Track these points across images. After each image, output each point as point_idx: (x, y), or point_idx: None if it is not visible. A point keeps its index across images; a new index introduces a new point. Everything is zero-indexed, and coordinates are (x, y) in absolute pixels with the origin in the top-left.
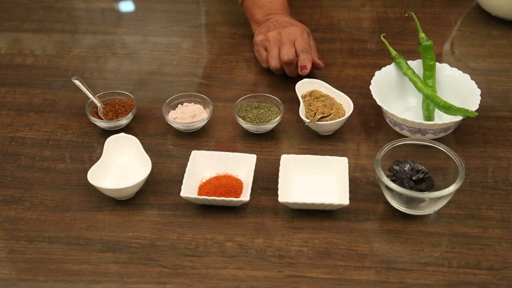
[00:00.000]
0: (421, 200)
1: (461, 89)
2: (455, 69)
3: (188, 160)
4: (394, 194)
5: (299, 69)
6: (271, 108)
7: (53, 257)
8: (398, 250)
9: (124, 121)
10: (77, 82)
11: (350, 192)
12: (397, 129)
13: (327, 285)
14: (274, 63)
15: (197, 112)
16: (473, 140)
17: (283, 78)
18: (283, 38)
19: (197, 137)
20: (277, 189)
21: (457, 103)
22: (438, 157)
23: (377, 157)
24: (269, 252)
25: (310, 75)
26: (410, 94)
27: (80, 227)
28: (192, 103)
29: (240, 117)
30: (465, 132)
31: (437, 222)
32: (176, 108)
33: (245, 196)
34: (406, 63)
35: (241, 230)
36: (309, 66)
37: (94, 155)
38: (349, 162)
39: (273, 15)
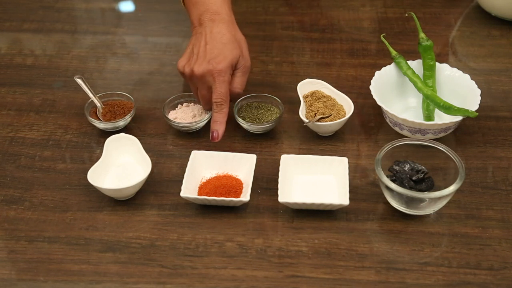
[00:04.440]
0: (421, 200)
1: (461, 89)
2: (455, 69)
3: (188, 160)
4: (394, 194)
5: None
6: (271, 108)
7: (53, 257)
8: (398, 250)
9: (121, 122)
10: (79, 81)
11: (350, 192)
12: (397, 129)
13: (327, 285)
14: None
15: (197, 112)
16: (473, 140)
17: (283, 78)
18: (198, 82)
19: (197, 137)
20: (277, 189)
21: (457, 103)
22: (438, 157)
23: (377, 157)
24: (269, 252)
25: (311, 76)
26: (410, 94)
27: (80, 227)
28: (192, 103)
29: (240, 117)
30: (465, 132)
31: (437, 222)
32: (176, 108)
33: (245, 196)
34: (406, 63)
35: (241, 230)
36: (221, 131)
37: (94, 155)
38: (349, 162)
39: (207, 18)
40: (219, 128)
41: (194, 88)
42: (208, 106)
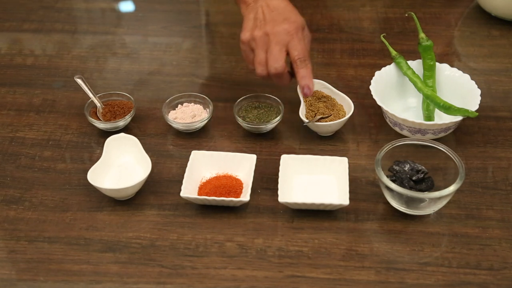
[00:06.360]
0: (421, 200)
1: (461, 89)
2: (455, 69)
3: (188, 160)
4: (394, 194)
5: (299, 89)
6: (271, 108)
7: (53, 257)
8: (398, 250)
9: (121, 122)
10: (79, 81)
11: (350, 192)
12: (397, 129)
13: (327, 285)
14: (260, 70)
15: (197, 112)
16: (473, 140)
17: None
18: (271, 41)
19: (197, 137)
20: (277, 189)
21: (457, 103)
22: (438, 157)
23: (377, 157)
24: (269, 252)
25: None
26: (410, 94)
27: (80, 227)
28: (192, 103)
29: (240, 117)
30: (465, 132)
31: (437, 222)
32: (176, 108)
33: (245, 196)
34: (406, 63)
35: (241, 230)
36: (312, 85)
37: (94, 155)
38: (349, 162)
39: None
40: (309, 82)
41: (249, 55)
42: (264, 70)
